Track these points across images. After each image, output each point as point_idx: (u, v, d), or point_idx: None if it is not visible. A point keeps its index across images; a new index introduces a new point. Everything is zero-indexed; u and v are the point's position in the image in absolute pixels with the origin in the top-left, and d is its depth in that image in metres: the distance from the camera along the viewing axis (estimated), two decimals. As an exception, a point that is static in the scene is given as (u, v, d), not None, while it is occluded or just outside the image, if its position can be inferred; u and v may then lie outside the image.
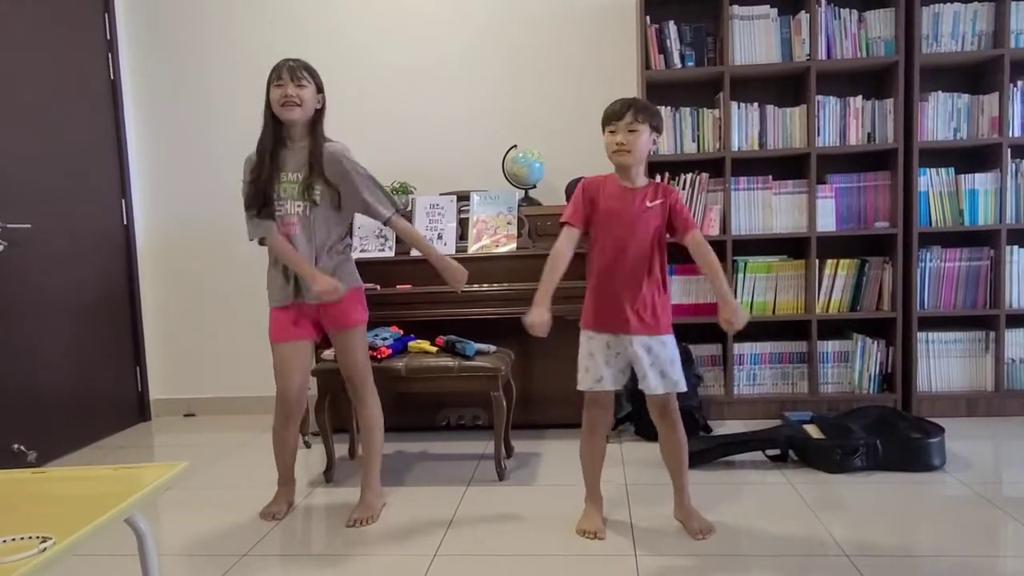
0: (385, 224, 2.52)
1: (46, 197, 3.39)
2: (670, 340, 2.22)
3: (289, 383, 2.48)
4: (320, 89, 2.43)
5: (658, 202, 2.20)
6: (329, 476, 2.89)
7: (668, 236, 2.24)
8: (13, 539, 1.05)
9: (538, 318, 2.12)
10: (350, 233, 3.05)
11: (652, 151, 2.26)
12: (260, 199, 2.38)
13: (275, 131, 2.39)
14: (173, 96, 4.01)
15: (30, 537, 1.05)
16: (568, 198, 3.57)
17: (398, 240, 3.44)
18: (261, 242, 2.47)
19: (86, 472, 1.46)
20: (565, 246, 2.21)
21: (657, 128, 2.20)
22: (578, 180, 3.47)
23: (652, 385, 2.19)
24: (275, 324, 2.48)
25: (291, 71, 2.34)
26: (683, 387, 2.23)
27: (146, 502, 1.26)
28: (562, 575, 2.05)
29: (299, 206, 2.40)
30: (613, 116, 2.16)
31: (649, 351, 2.18)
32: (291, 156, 2.41)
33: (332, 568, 2.14)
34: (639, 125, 2.14)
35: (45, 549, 1.00)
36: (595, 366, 2.23)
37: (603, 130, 2.20)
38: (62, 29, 3.54)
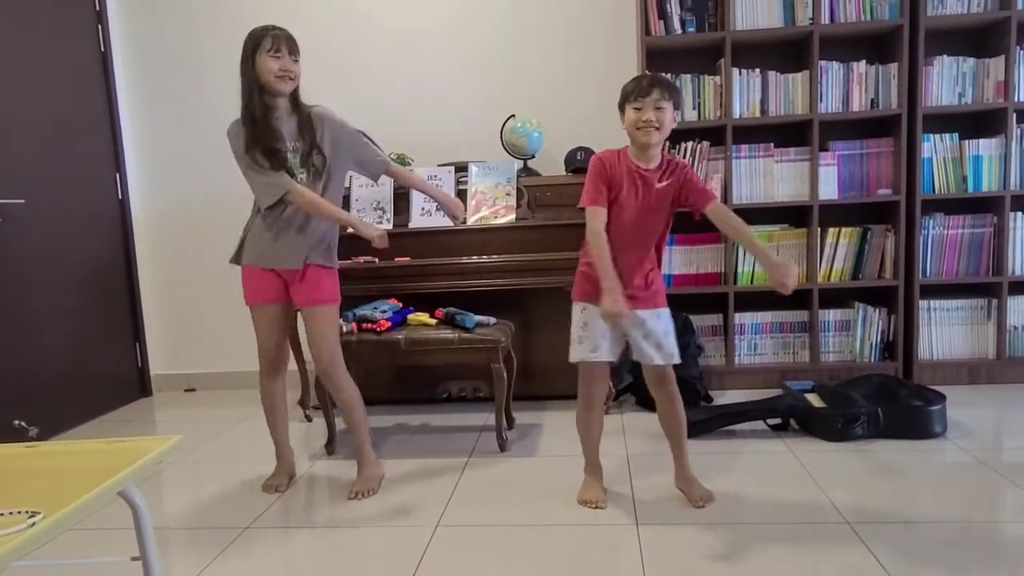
0: (385, 173, 2.58)
1: (38, 172, 3.35)
2: (665, 313, 2.21)
3: (268, 342, 2.50)
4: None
5: (669, 181, 2.16)
6: (330, 449, 2.90)
7: (687, 210, 2.22)
8: (1, 514, 1.04)
9: (618, 306, 2.03)
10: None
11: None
12: (281, 159, 2.32)
13: (263, 100, 2.33)
14: (165, 67, 3.95)
15: (19, 512, 1.04)
16: (568, 168, 3.53)
17: (396, 212, 3.42)
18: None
19: (78, 446, 1.44)
20: (599, 224, 2.12)
21: (678, 105, 2.16)
22: (578, 150, 3.47)
23: (647, 358, 2.19)
24: (250, 285, 2.47)
25: (289, 44, 2.31)
26: (677, 359, 2.22)
27: (139, 476, 1.25)
28: (564, 545, 2.05)
29: (301, 177, 2.36)
30: (639, 92, 2.09)
31: (643, 324, 2.17)
32: (283, 127, 2.37)
33: (334, 540, 2.14)
34: (665, 103, 2.09)
35: (34, 524, 0.99)
36: (591, 336, 2.20)
37: (623, 105, 2.14)
38: (51, 3, 3.47)
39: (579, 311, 2.23)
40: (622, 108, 2.15)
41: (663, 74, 3.38)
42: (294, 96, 2.39)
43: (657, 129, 2.09)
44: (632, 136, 2.14)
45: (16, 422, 3.13)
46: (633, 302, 2.12)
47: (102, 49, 3.81)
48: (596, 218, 2.14)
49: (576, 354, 2.23)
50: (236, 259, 2.50)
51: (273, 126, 2.34)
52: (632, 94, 2.11)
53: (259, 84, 2.31)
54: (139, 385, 4.04)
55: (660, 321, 2.19)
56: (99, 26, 3.79)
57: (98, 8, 3.79)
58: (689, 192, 2.17)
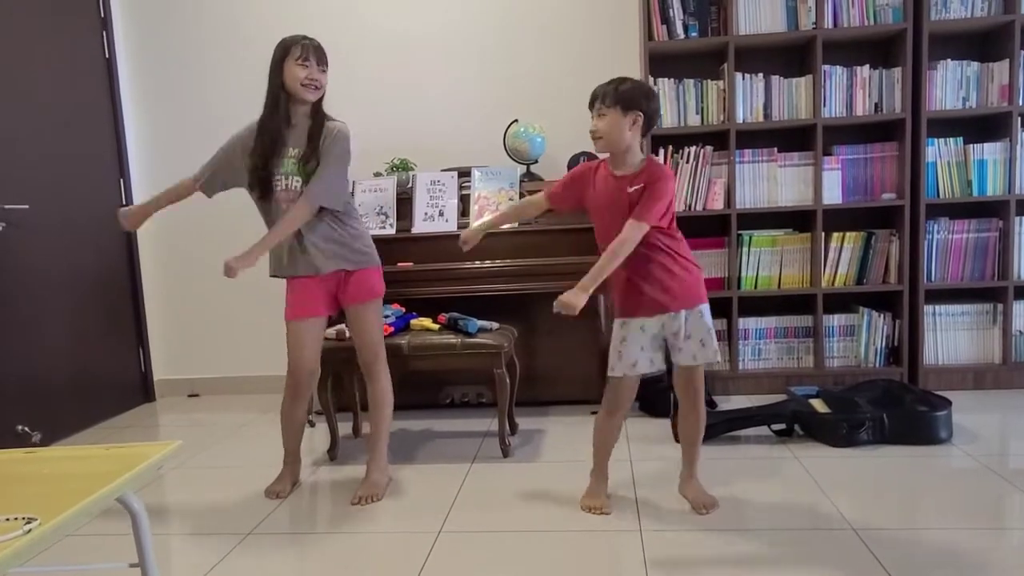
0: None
1: (43, 178, 3.36)
2: (706, 309, 2.18)
3: (303, 360, 2.47)
4: None
5: (639, 186, 2.07)
6: (333, 454, 2.89)
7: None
8: (-3, 520, 1.04)
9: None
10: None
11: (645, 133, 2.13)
12: (264, 181, 2.37)
13: (286, 107, 2.35)
14: (169, 73, 3.96)
15: (15, 518, 1.03)
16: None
17: (399, 217, 3.42)
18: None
19: (77, 452, 1.44)
20: (530, 206, 2.40)
21: (634, 108, 2.06)
22: (580, 155, 3.47)
23: (687, 357, 2.16)
24: (294, 300, 2.46)
25: (317, 54, 2.35)
26: (719, 357, 2.23)
27: (137, 482, 1.24)
28: (567, 551, 2.04)
29: (298, 181, 2.37)
30: (589, 101, 2.14)
31: (685, 322, 2.14)
32: (293, 133, 2.39)
33: (337, 545, 2.13)
34: (607, 110, 2.08)
35: (30, 531, 0.99)
36: (628, 352, 2.17)
37: None
38: (55, 8, 3.49)
39: (618, 327, 2.20)
40: None
41: (663, 77, 3.42)
42: (316, 106, 2.40)
43: (600, 138, 2.11)
44: None
45: (19, 427, 3.13)
46: (668, 303, 2.11)
47: (107, 55, 3.82)
48: (535, 201, 2.36)
49: (617, 370, 2.19)
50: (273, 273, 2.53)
51: (282, 140, 2.36)
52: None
53: (285, 91, 2.33)
54: (142, 390, 4.04)
55: (703, 318, 2.15)
56: (104, 32, 3.81)
57: (103, 14, 3.80)
58: (641, 198, 2.07)
